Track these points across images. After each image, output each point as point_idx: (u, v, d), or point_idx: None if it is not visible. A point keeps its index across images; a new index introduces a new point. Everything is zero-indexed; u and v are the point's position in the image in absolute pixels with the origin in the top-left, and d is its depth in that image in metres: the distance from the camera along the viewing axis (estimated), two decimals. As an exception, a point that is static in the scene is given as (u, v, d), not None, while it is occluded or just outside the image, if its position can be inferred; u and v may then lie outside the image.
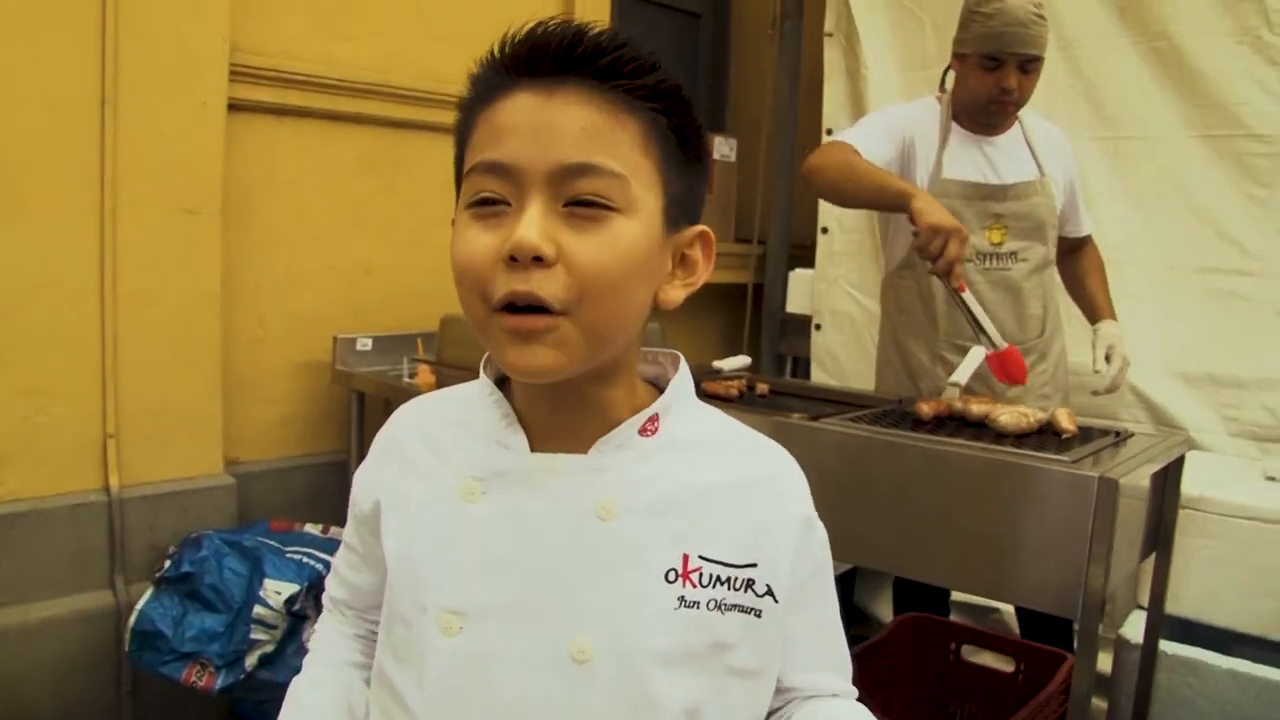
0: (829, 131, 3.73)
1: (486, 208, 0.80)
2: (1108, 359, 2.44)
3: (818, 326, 3.77)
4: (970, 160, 2.40)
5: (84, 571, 2.59)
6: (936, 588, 2.59)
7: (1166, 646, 2.27)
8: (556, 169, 0.77)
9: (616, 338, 0.83)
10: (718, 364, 2.75)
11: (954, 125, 2.43)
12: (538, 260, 0.76)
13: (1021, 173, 2.42)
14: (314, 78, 2.98)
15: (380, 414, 3.19)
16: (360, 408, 3.06)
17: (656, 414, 0.89)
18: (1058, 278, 2.62)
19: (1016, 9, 2.22)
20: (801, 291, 3.91)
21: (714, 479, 0.90)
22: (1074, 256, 2.65)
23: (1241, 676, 2.19)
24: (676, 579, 0.85)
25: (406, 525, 0.92)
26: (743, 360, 2.82)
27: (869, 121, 2.47)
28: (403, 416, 1.01)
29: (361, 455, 3.19)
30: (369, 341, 3.09)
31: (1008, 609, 2.97)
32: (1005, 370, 2.19)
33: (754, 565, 0.88)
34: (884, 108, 2.54)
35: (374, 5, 3.16)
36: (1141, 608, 2.38)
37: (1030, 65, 2.29)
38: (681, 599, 0.85)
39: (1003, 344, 2.20)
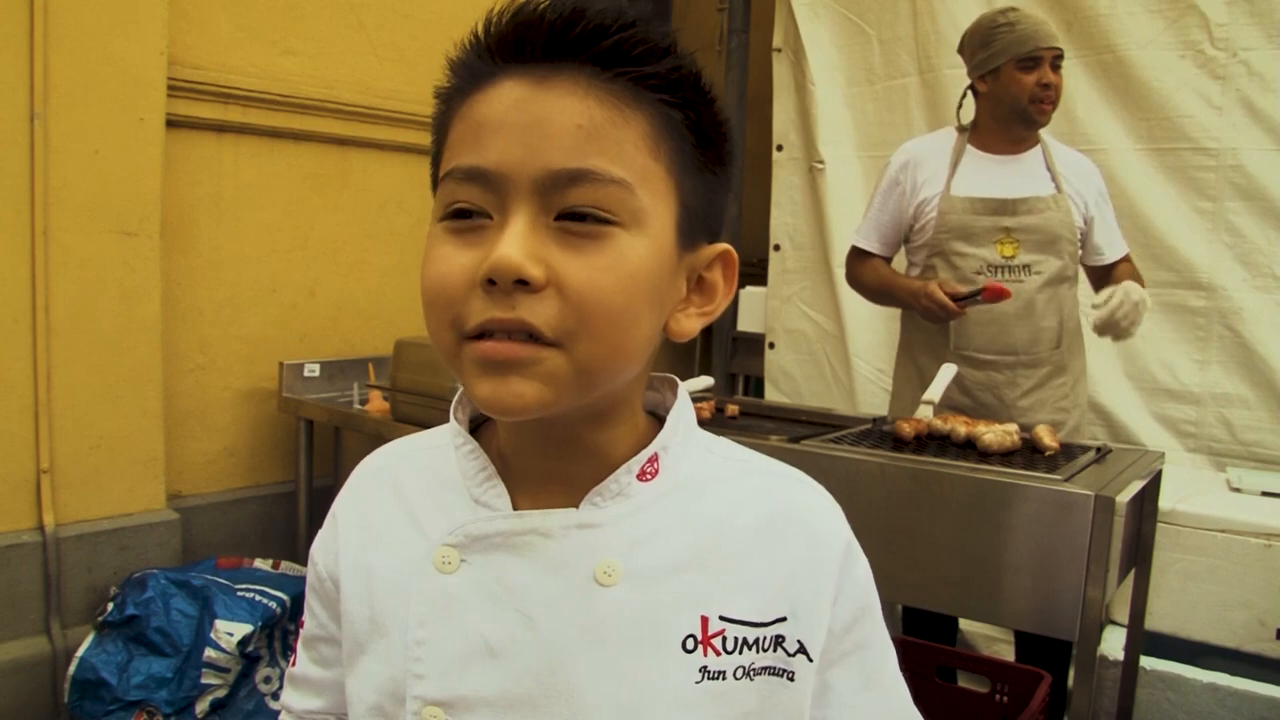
0: (779, 148, 3.72)
1: (463, 221, 0.68)
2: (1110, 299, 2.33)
3: (771, 345, 3.74)
4: (981, 178, 2.46)
5: (17, 617, 2.45)
6: (944, 615, 2.54)
7: (1145, 662, 2.26)
8: (545, 175, 0.65)
9: (615, 376, 0.70)
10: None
11: (969, 149, 2.50)
12: (522, 284, 0.64)
13: (1035, 189, 2.45)
14: (255, 93, 2.88)
15: (330, 443, 3.07)
16: (309, 436, 2.95)
17: (656, 454, 0.76)
18: (1075, 296, 2.54)
19: (1031, 15, 2.43)
20: (753, 310, 3.88)
21: (730, 521, 0.77)
22: (1113, 279, 2.53)
23: (1221, 690, 2.20)
24: (696, 647, 0.73)
25: (374, 602, 0.78)
26: (706, 381, 2.76)
27: (872, 213, 2.60)
28: (366, 470, 0.86)
29: (311, 486, 3.08)
30: (316, 367, 2.97)
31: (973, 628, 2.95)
32: (995, 290, 2.26)
33: (783, 619, 0.75)
34: (881, 179, 2.59)
35: (316, 20, 3.06)
36: (1114, 623, 2.37)
37: (1058, 61, 2.40)
38: (704, 670, 0.73)
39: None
